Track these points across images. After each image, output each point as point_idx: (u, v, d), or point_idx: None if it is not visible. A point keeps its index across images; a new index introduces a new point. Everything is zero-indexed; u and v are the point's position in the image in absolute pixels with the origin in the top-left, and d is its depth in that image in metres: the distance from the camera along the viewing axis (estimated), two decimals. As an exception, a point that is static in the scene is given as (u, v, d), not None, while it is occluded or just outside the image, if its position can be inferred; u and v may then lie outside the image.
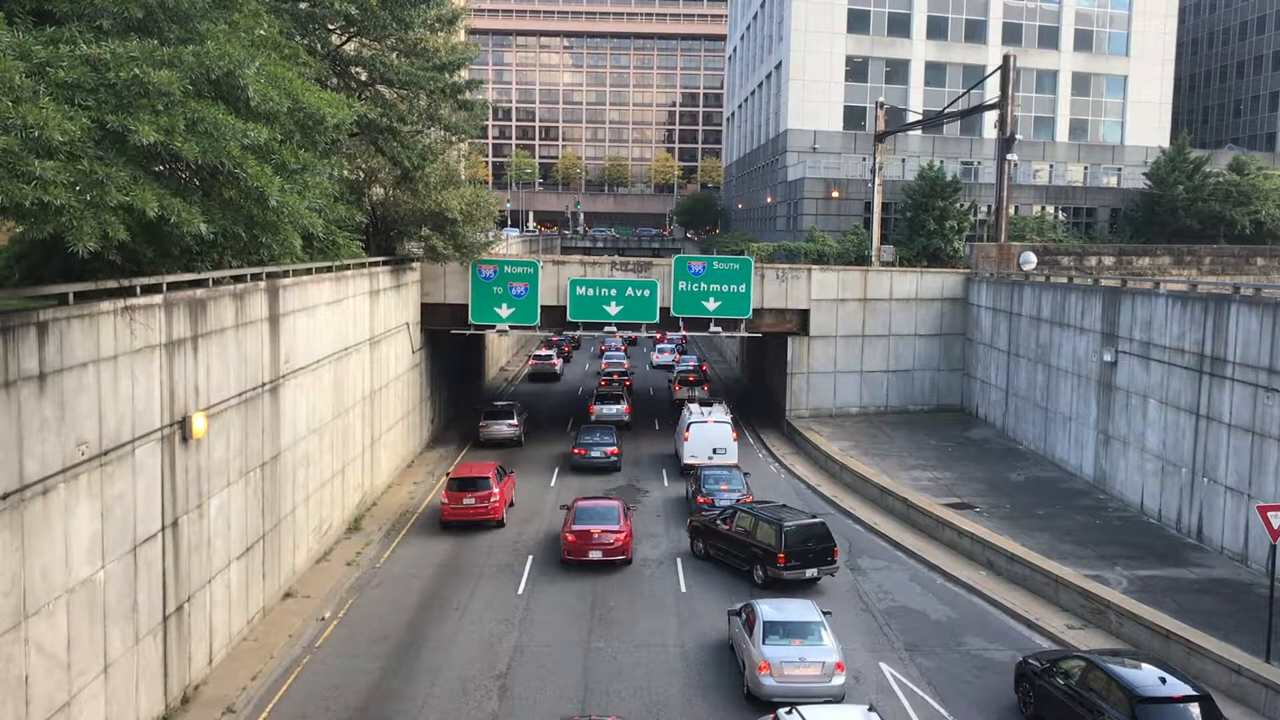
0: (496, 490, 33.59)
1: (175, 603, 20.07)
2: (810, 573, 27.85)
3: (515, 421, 45.91)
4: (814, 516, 29.88)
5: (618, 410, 49.15)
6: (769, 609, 22.39)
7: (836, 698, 20.92)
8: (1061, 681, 19.88)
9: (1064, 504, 35.17)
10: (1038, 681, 20.56)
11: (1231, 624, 24.11)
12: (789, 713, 17.25)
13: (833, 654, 21.19)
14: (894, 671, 22.88)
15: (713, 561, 30.01)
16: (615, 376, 59.85)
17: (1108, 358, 36.44)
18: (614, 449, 41.89)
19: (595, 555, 29.60)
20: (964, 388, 50.83)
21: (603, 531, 29.67)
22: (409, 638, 24.57)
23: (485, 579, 28.72)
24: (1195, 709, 17.99)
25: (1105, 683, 18.88)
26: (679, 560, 30.44)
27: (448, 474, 36.94)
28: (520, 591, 27.80)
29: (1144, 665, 19.54)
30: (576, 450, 42.00)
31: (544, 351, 70.24)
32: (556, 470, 41.73)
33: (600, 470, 41.55)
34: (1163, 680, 18.60)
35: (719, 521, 30.19)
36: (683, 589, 28.19)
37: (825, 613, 22.86)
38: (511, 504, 36.04)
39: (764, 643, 21.29)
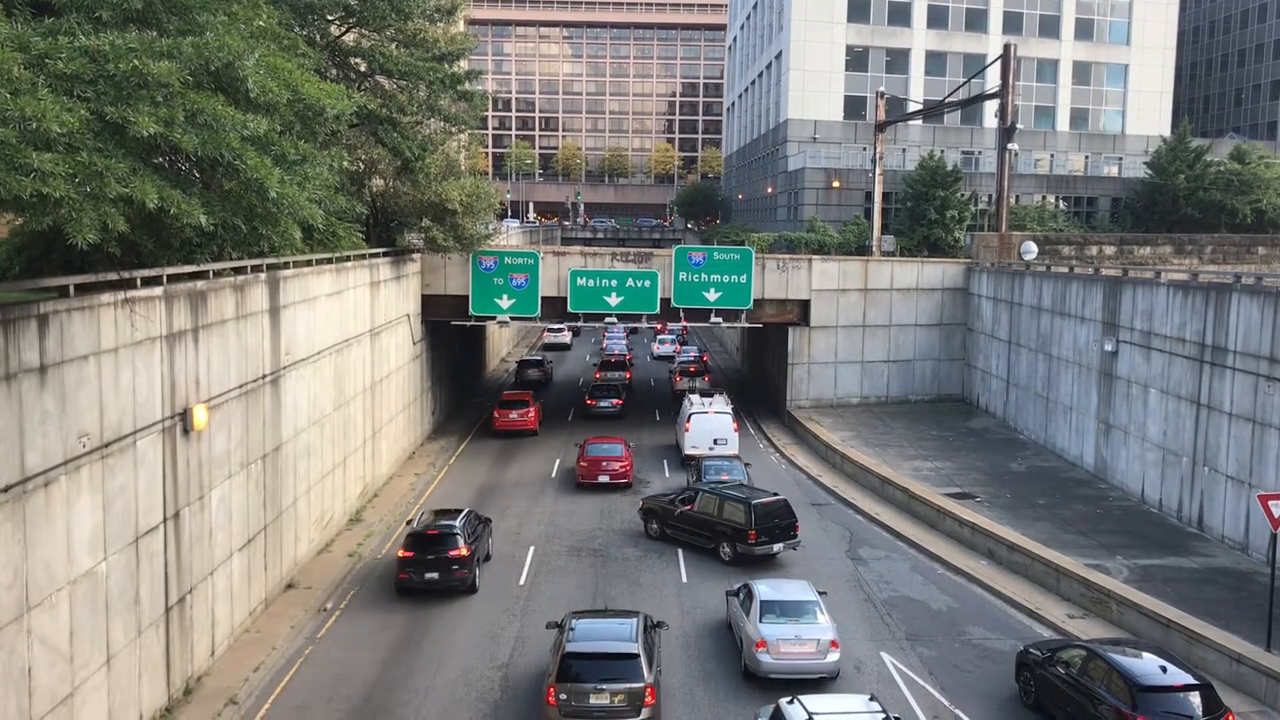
0: (531, 409, 46.42)
1: (177, 594, 20.10)
2: (777, 548, 28.92)
3: (544, 368, 60.51)
4: (775, 494, 30.48)
5: (619, 375, 57.85)
6: (766, 589, 22.89)
7: (831, 675, 21.50)
8: (1062, 670, 19.91)
9: (1064, 493, 35.20)
10: (1038, 671, 20.61)
11: (1232, 613, 24.14)
12: (790, 702, 17.32)
13: (828, 632, 21.60)
14: (895, 661, 22.93)
15: (710, 552, 30.00)
16: (616, 355, 65.31)
17: (1109, 347, 36.42)
18: (619, 400, 50.83)
19: (604, 479, 36.81)
20: (965, 378, 50.83)
21: (609, 460, 37.09)
22: (411, 629, 24.61)
23: (485, 572, 28.78)
24: (1196, 697, 18.03)
25: (1106, 672, 18.90)
26: (680, 551, 30.47)
27: (500, 398, 48.17)
28: (522, 582, 27.86)
29: (1144, 654, 19.57)
30: (589, 400, 50.74)
31: (556, 326, 78.73)
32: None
33: (608, 418, 49.30)
34: (1163, 669, 18.65)
35: (678, 502, 31.10)
36: (684, 579, 28.23)
37: (821, 593, 23.42)
38: (541, 421, 47.34)
39: (761, 621, 21.76)
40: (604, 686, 18.94)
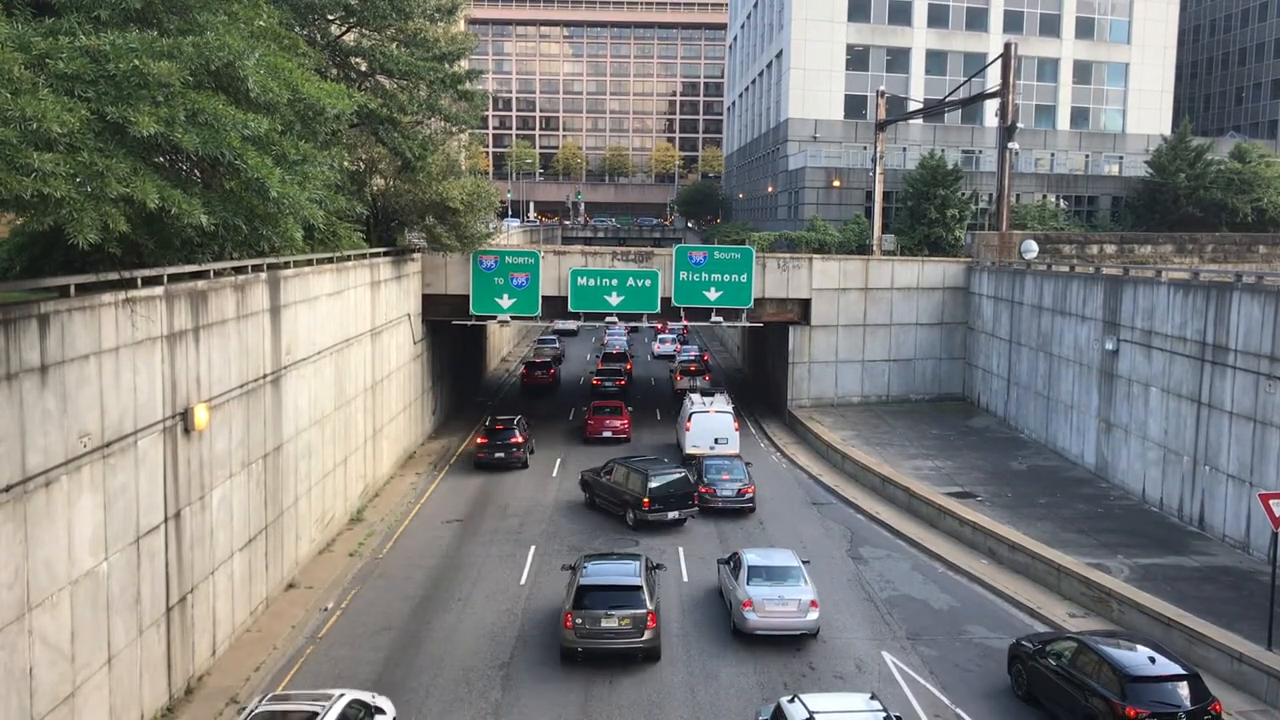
0: (552, 371, 60.80)
1: (178, 594, 20.11)
2: (672, 515, 32.27)
3: (558, 344, 72.35)
4: (679, 470, 33.41)
5: (620, 366, 61.93)
6: (754, 556, 25.14)
7: (811, 632, 23.66)
8: (1054, 662, 20.24)
9: (1065, 492, 35.20)
10: (1030, 662, 20.93)
11: (1233, 611, 24.15)
12: (791, 701, 17.36)
13: (808, 594, 23.69)
14: (896, 660, 22.93)
15: (710, 549, 30.03)
16: (618, 349, 68.50)
17: (1109, 346, 36.42)
18: (622, 380, 56.71)
19: (607, 434, 44.69)
20: (965, 377, 50.82)
21: (611, 419, 45.38)
22: (412, 628, 24.62)
23: (486, 572, 28.80)
24: (1184, 687, 18.39)
25: (1096, 663, 19.20)
26: (680, 549, 30.49)
27: (524, 362, 64.60)
28: (523, 581, 27.89)
29: (1134, 646, 19.93)
30: (595, 381, 56.67)
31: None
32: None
33: (610, 395, 53.61)
34: (1152, 660, 19.00)
35: (602, 474, 34.47)
36: (685, 578, 28.25)
37: (804, 561, 25.48)
38: (559, 381, 61.62)
39: (749, 584, 23.90)
40: (613, 612, 22.14)
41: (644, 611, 22.23)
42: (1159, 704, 18.02)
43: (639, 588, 22.69)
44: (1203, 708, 18.13)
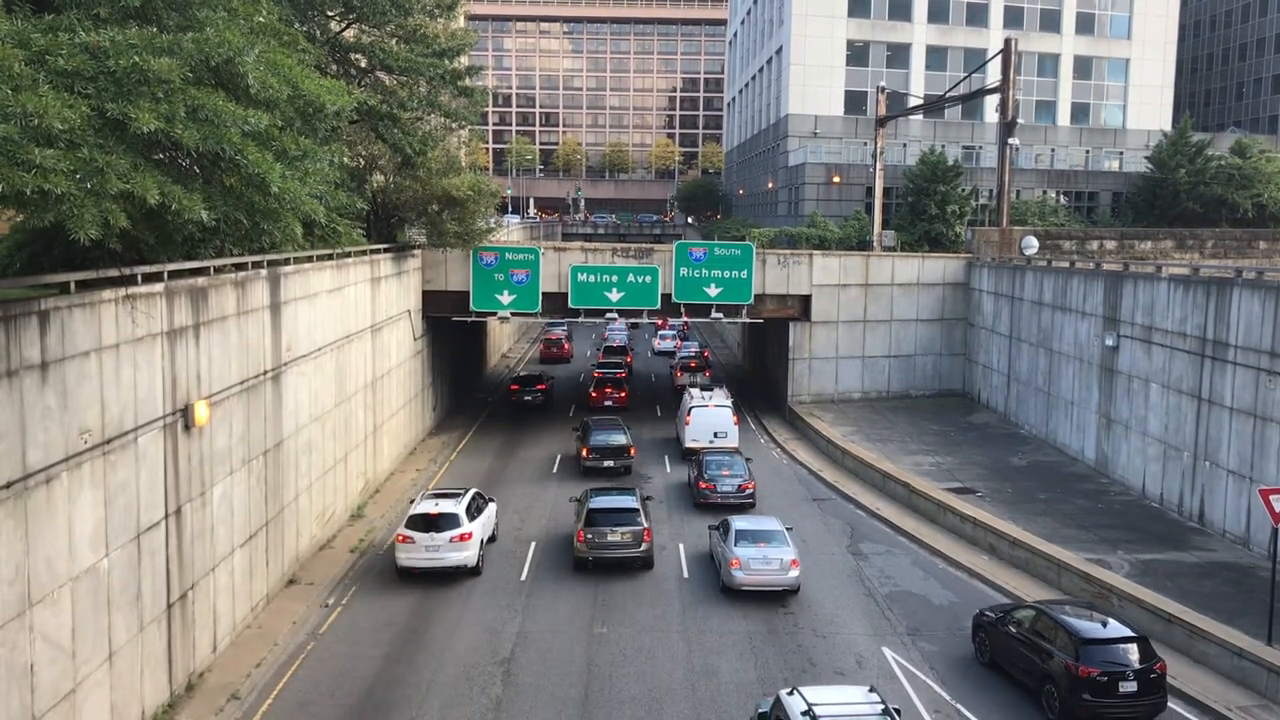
0: (566, 346, 71.43)
1: (179, 590, 20.12)
2: (608, 463, 38.24)
3: (565, 327, 79.30)
4: (622, 433, 39.15)
5: (620, 359, 64.53)
6: (741, 521, 27.59)
7: (792, 589, 26.06)
8: (1014, 629, 21.53)
9: (1066, 488, 35.21)
10: (992, 630, 22.13)
11: (1233, 607, 24.17)
12: (790, 693, 17.37)
13: (789, 554, 26.04)
14: (896, 655, 22.96)
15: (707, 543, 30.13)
16: (618, 343, 70.42)
17: (1110, 342, 36.42)
18: (623, 373, 57.98)
19: (608, 403, 50.13)
20: (966, 372, 50.83)
21: (611, 389, 51.01)
22: (413, 623, 24.63)
23: (487, 568, 28.82)
24: (1134, 648, 19.77)
25: (1053, 628, 20.57)
26: (681, 546, 30.53)
27: (541, 340, 75.16)
28: (523, 577, 27.93)
29: (1087, 612, 21.28)
30: (596, 374, 57.35)
31: None
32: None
33: (614, 384, 54.37)
34: (1104, 624, 20.49)
35: (579, 428, 41.31)
36: (685, 574, 28.29)
37: (788, 528, 27.58)
38: (572, 355, 72.54)
39: (736, 545, 26.29)
40: (616, 529, 27.52)
41: (641, 528, 27.67)
42: (1110, 664, 19.43)
43: (637, 510, 28.09)
44: (1149, 667, 19.51)
